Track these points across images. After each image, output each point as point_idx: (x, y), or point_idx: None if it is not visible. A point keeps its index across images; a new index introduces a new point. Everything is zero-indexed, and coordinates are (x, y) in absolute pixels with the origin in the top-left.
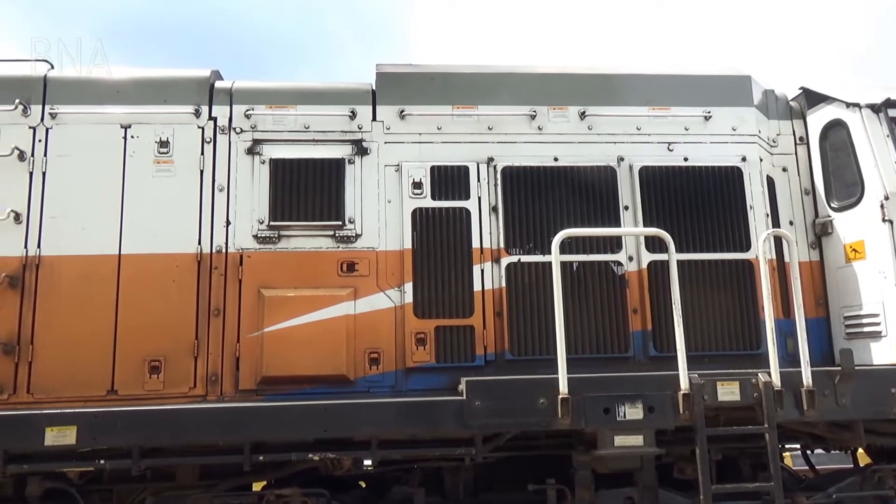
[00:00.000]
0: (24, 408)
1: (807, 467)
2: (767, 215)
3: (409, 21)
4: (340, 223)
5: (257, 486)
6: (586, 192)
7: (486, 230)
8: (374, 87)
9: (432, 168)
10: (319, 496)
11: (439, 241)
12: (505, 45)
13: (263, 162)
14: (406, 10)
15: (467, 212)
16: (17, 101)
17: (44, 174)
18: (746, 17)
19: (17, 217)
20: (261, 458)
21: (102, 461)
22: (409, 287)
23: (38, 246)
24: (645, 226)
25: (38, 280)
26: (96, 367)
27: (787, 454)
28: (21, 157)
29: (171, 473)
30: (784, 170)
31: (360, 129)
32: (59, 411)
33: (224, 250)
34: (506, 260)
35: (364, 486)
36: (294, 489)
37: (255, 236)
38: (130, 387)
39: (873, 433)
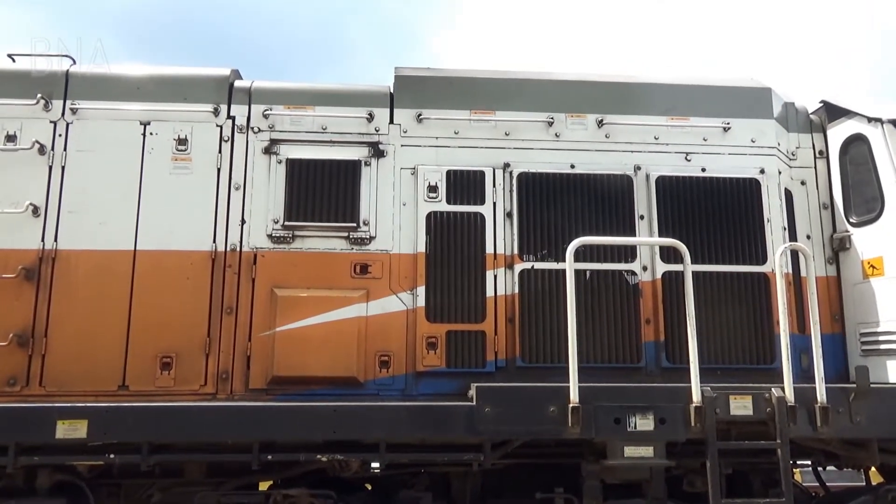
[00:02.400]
0: (36, 400)
1: (817, 484)
2: (784, 229)
3: (429, 29)
4: (355, 225)
5: (263, 486)
6: (602, 201)
7: (501, 236)
8: (392, 90)
9: (448, 172)
10: (326, 497)
11: (453, 245)
12: (510, 44)
13: (280, 162)
14: (425, 18)
15: (482, 217)
16: (38, 95)
17: (63, 168)
18: (745, 14)
19: (36, 210)
20: (269, 457)
21: (112, 455)
22: (421, 291)
23: (55, 240)
24: (660, 236)
25: (54, 273)
26: (108, 362)
27: (797, 470)
28: (41, 150)
29: (179, 470)
30: (802, 183)
31: (377, 131)
32: (70, 405)
33: (238, 249)
34: (519, 266)
35: (370, 488)
36: (301, 489)
37: (270, 236)
38: (141, 382)
39: (887, 452)
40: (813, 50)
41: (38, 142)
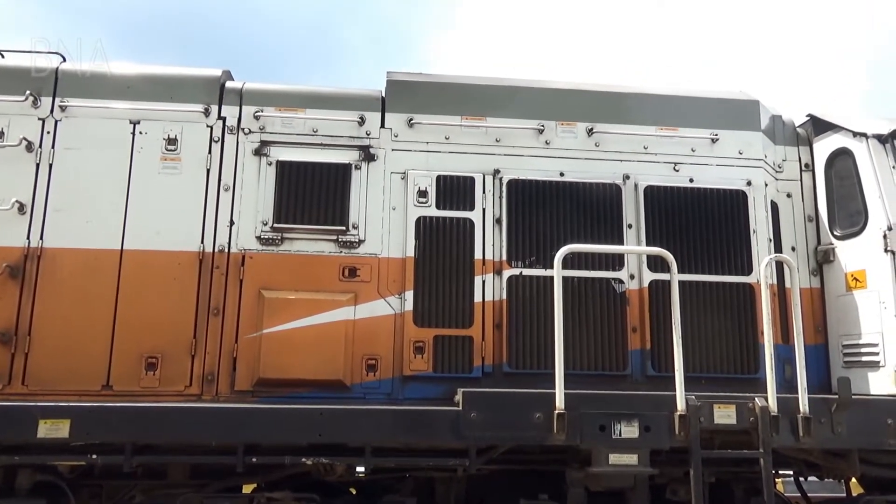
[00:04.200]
0: (18, 399)
1: (798, 494)
2: (770, 240)
3: (425, 31)
4: (344, 228)
5: (247, 488)
6: (591, 209)
7: (489, 242)
8: (383, 95)
9: (438, 177)
10: (310, 501)
11: (442, 250)
12: (507, 47)
13: (270, 164)
14: (421, 20)
15: (471, 223)
16: (27, 92)
17: (50, 166)
18: (745, 18)
19: (22, 208)
20: (254, 459)
21: (94, 456)
22: (409, 295)
23: (41, 237)
24: (648, 245)
25: (39, 271)
26: (92, 362)
27: (779, 480)
28: (29, 147)
29: (162, 472)
30: (788, 195)
31: (367, 135)
32: (53, 404)
33: (226, 250)
34: (507, 272)
35: (354, 493)
36: (285, 493)
37: (259, 237)
38: (126, 383)
39: (868, 463)
40: (812, 49)
41: (25, 139)
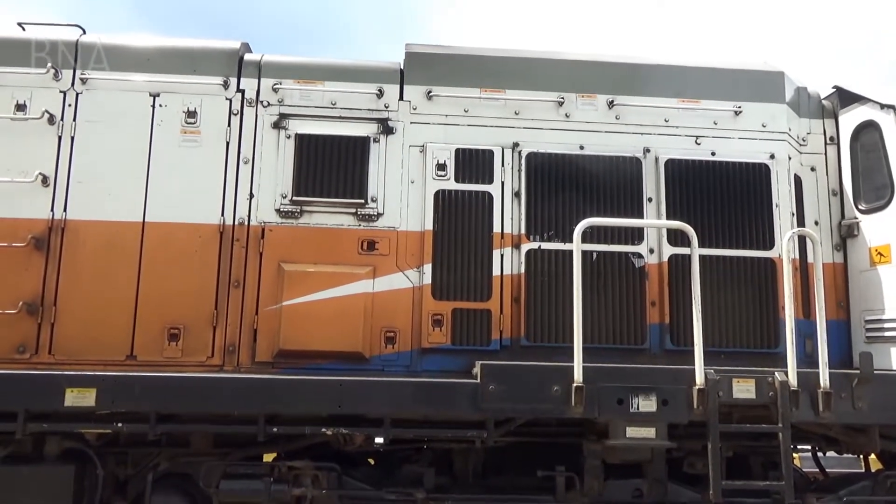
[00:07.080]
0: (45, 368)
1: (816, 469)
2: (793, 214)
3: (431, 8)
4: (363, 201)
5: (268, 458)
6: (610, 182)
7: (508, 215)
8: (402, 67)
9: (457, 150)
10: (331, 470)
11: (460, 223)
12: (508, 32)
13: (289, 136)
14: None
15: (490, 196)
16: (49, 64)
17: (72, 139)
18: (747, 17)
19: (45, 180)
20: (275, 429)
21: (120, 424)
22: (428, 268)
23: (65, 210)
24: (668, 219)
25: (63, 243)
26: (117, 332)
27: (796, 455)
28: (51, 120)
29: (186, 440)
30: (812, 169)
31: (386, 107)
32: (79, 373)
33: (246, 223)
34: (526, 246)
35: (373, 463)
36: (306, 462)
37: (278, 210)
38: (149, 353)
39: (888, 439)
40: (811, 49)
41: (47, 111)
